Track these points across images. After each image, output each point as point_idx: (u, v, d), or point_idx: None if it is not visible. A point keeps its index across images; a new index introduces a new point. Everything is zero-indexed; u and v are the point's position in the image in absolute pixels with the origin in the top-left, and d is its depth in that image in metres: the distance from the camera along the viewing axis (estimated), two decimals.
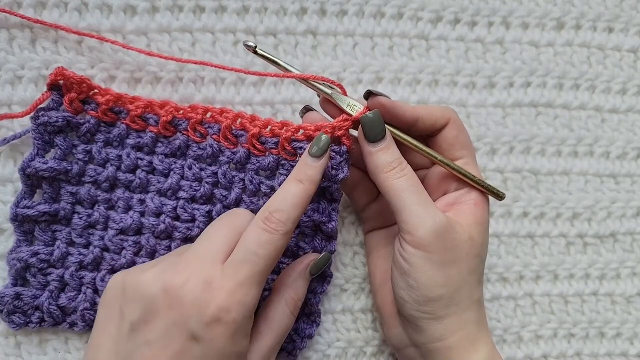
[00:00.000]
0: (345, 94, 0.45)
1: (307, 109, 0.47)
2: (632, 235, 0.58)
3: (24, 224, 0.45)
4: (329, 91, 0.45)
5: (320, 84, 0.45)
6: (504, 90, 0.56)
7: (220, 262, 0.38)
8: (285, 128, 0.46)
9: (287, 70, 0.45)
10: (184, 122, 0.46)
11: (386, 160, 0.43)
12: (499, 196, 0.46)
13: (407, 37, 0.55)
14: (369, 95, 0.44)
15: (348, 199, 0.52)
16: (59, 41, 0.48)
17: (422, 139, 0.47)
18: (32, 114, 0.45)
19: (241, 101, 0.51)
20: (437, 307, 0.42)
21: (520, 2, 0.57)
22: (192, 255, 0.39)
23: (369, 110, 0.44)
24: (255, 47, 0.44)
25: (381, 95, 0.44)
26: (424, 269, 0.42)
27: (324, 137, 0.42)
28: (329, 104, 0.46)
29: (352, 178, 0.48)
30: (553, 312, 0.56)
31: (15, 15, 0.47)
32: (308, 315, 0.48)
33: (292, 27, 0.52)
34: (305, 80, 0.45)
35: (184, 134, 0.47)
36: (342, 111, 0.45)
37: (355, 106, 0.44)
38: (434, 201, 0.45)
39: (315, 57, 0.53)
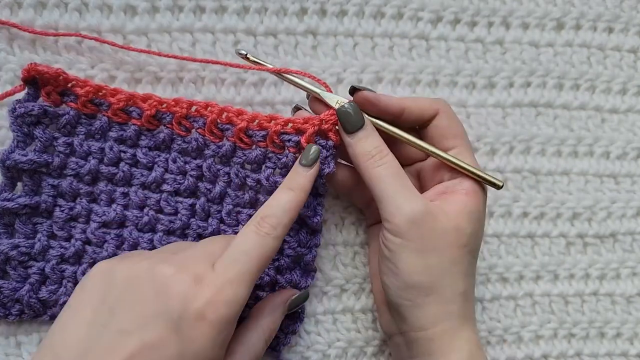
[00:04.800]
0: (330, 92, 0.46)
1: (297, 108, 0.48)
2: (632, 235, 0.58)
3: (3, 216, 0.45)
4: (317, 89, 0.46)
5: (306, 82, 0.46)
6: (503, 90, 0.56)
7: (212, 262, 0.38)
8: (273, 121, 0.46)
9: (279, 75, 0.47)
10: (168, 116, 0.46)
11: (365, 149, 0.44)
12: (496, 185, 0.45)
13: (407, 37, 0.55)
14: (353, 90, 0.46)
15: (349, 199, 0.52)
16: (59, 41, 0.48)
17: (414, 130, 0.47)
18: (10, 108, 0.45)
19: (241, 101, 0.51)
20: (416, 294, 0.42)
21: (520, 2, 0.57)
22: (186, 253, 0.40)
23: None
24: (246, 54, 0.46)
25: (365, 89, 0.45)
26: (402, 255, 0.42)
27: (313, 147, 0.44)
28: (317, 103, 0.47)
29: (352, 178, 0.48)
30: (553, 312, 0.56)
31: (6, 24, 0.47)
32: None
33: (292, 27, 0.52)
34: (291, 81, 0.46)
35: (167, 127, 0.47)
36: (330, 108, 0.46)
37: (343, 103, 0.45)
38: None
39: (315, 57, 0.53)
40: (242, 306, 0.38)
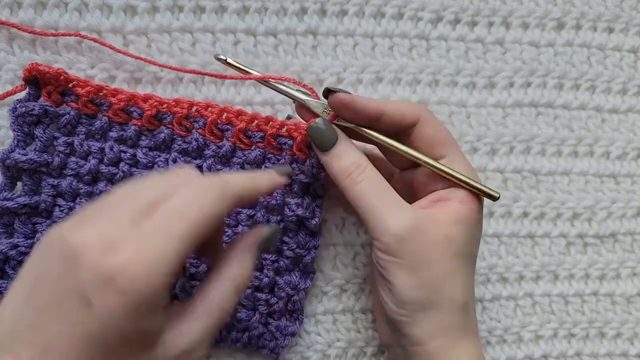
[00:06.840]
0: (317, 97, 0.45)
1: (289, 118, 0.48)
2: (632, 235, 0.58)
3: (3, 216, 0.45)
4: (303, 97, 0.45)
5: (293, 89, 0.45)
6: (504, 90, 0.56)
7: (136, 222, 0.32)
8: (270, 124, 0.47)
9: (263, 82, 0.46)
10: (168, 116, 0.46)
11: (342, 165, 0.42)
12: (492, 196, 0.43)
13: (407, 37, 0.55)
14: (327, 93, 0.43)
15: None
16: (59, 41, 0.48)
17: (396, 137, 0.45)
18: (10, 107, 0.45)
19: (241, 101, 0.51)
20: (412, 309, 0.41)
21: (520, 2, 0.57)
22: (111, 206, 0.34)
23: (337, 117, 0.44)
24: (226, 59, 0.45)
25: (339, 91, 0.43)
26: (395, 272, 0.41)
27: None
28: (304, 109, 0.45)
29: None
30: (553, 312, 0.56)
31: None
32: (290, 312, 0.48)
33: (292, 27, 0.52)
34: (275, 88, 0.45)
35: (168, 127, 0.47)
36: (317, 116, 0.44)
37: (331, 110, 0.44)
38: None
39: (315, 57, 0.53)
40: (171, 274, 0.32)
